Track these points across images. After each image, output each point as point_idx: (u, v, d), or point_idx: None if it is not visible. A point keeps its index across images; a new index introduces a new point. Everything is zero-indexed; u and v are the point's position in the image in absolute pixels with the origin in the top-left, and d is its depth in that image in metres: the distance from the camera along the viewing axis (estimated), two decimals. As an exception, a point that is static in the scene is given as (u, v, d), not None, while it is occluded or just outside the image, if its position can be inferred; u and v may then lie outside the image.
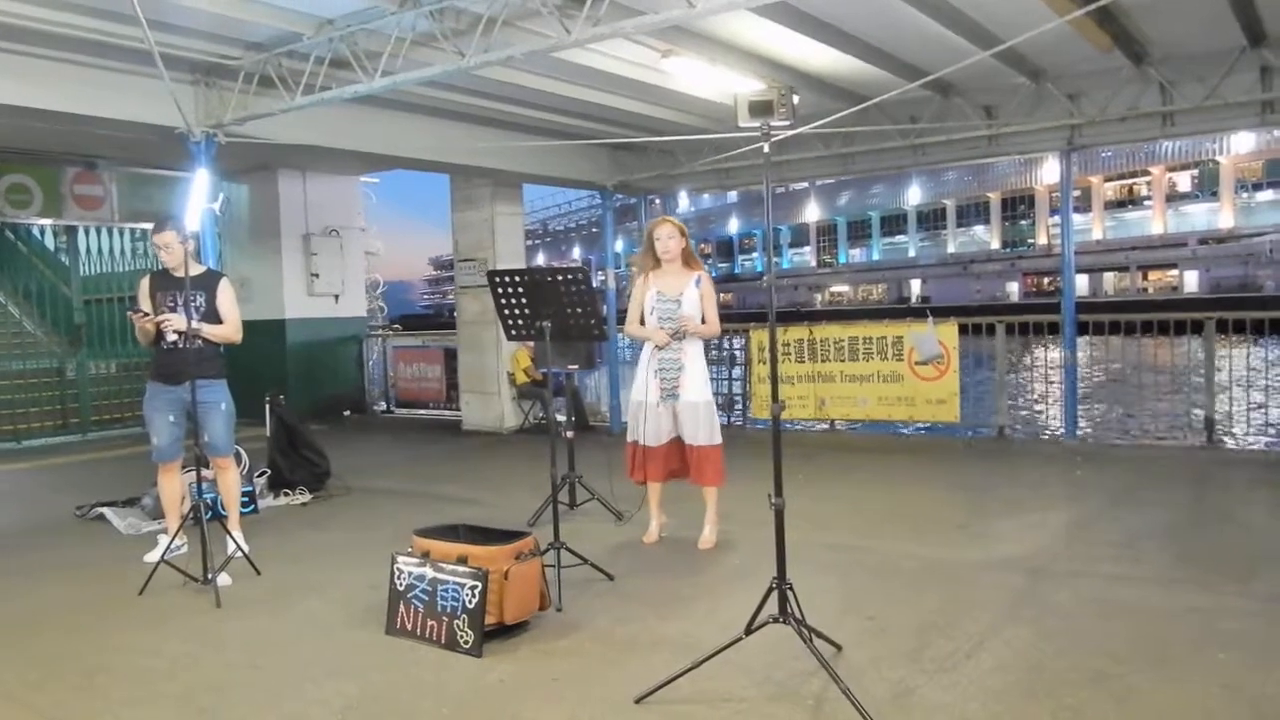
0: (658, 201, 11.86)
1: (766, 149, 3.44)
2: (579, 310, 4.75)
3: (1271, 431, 8.99)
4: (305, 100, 6.53)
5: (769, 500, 3.53)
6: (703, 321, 5.46)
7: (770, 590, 3.55)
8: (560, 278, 4.80)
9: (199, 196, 5.34)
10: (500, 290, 4.89)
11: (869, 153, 9.48)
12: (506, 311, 4.93)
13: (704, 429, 5.49)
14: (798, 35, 6.69)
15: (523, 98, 8.24)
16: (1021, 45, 6.82)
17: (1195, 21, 6.88)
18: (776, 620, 3.51)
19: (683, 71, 7.02)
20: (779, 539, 3.55)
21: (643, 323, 5.56)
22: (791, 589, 3.54)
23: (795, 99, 3.54)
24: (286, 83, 6.72)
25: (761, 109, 3.43)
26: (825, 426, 10.26)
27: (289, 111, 6.78)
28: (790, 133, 3.56)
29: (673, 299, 5.45)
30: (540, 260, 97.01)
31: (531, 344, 9.33)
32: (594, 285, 4.88)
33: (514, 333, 5.01)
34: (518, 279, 4.87)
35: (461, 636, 4.01)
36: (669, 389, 5.47)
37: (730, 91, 7.58)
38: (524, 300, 4.87)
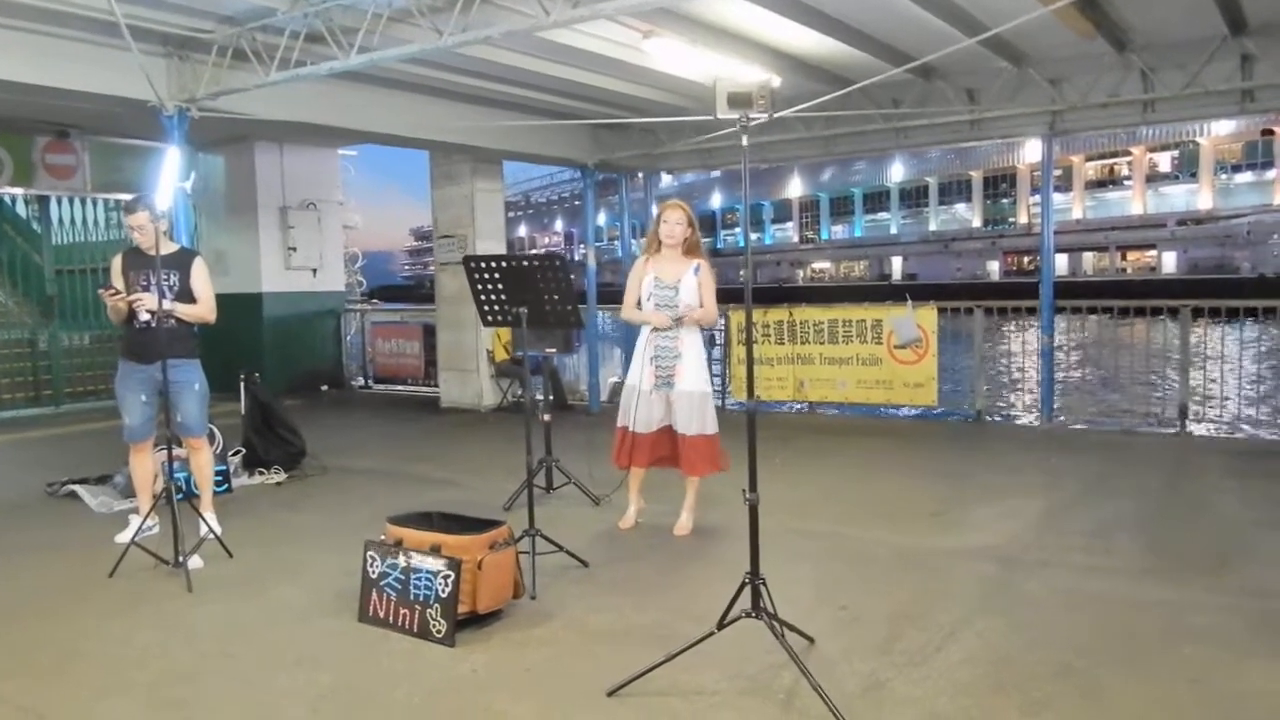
0: (640, 176, 11.73)
1: (745, 142, 3.40)
2: (556, 298, 4.72)
3: (1244, 420, 9.10)
4: (280, 76, 6.43)
5: (743, 496, 3.53)
6: (700, 306, 5.39)
7: (743, 585, 3.55)
8: (537, 264, 4.76)
9: (170, 175, 5.24)
10: (477, 276, 4.84)
11: (851, 135, 9.45)
12: (483, 298, 4.89)
13: (697, 419, 5.41)
14: (780, 18, 6.64)
15: (503, 75, 8.15)
16: (1004, 30, 6.80)
17: (1177, 9, 6.87)
18: (749, 615, 3.52)
19: (664, 52, 6.95)
20: (753, 534, 3.55)
21: (639, 307, 5.49)
22: (764, 583, 3.54)
23: (776, 83, 3.50)
24: (261, 57, 6.60)
25: (741, 100, 3.39)
26: (804, 408, 10.28)
27: (263, 87, 6.66)
28: (771, 116, 3.51)
29: (670, 285, 5.37)
30: (522, 232, 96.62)
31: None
32: (570, 272, 4.83)
33: (490, 319, 4.97)
34: (494, 265, 4.83)
35: (434, 626, 4.00)
36: (664, 377, 5.40)
37: (712, 72, 7.58)
38: (500, 287, 4.83)
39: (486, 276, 4.84)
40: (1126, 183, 55.61)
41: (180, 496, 5.06)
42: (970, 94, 8.75)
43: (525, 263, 4.79)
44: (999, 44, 7.73)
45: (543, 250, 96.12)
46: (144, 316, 5.38)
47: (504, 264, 4.81)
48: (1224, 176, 52.22)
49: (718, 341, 11.02)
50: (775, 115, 4.26)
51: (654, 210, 12.02)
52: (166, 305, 5.27)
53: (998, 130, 9.09)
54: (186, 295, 5.51)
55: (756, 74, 7.66)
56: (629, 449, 5.57)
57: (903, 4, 6.40)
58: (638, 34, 6.72)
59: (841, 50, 7.58)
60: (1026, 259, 55.09)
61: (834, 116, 9.04)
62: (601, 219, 57.31)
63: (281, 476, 7.37)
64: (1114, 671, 3.59)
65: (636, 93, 8.92)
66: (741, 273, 3.80)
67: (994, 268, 57.53)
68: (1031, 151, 50.20)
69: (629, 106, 9.60)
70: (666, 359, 5.39)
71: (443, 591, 4.00)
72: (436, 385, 11.88)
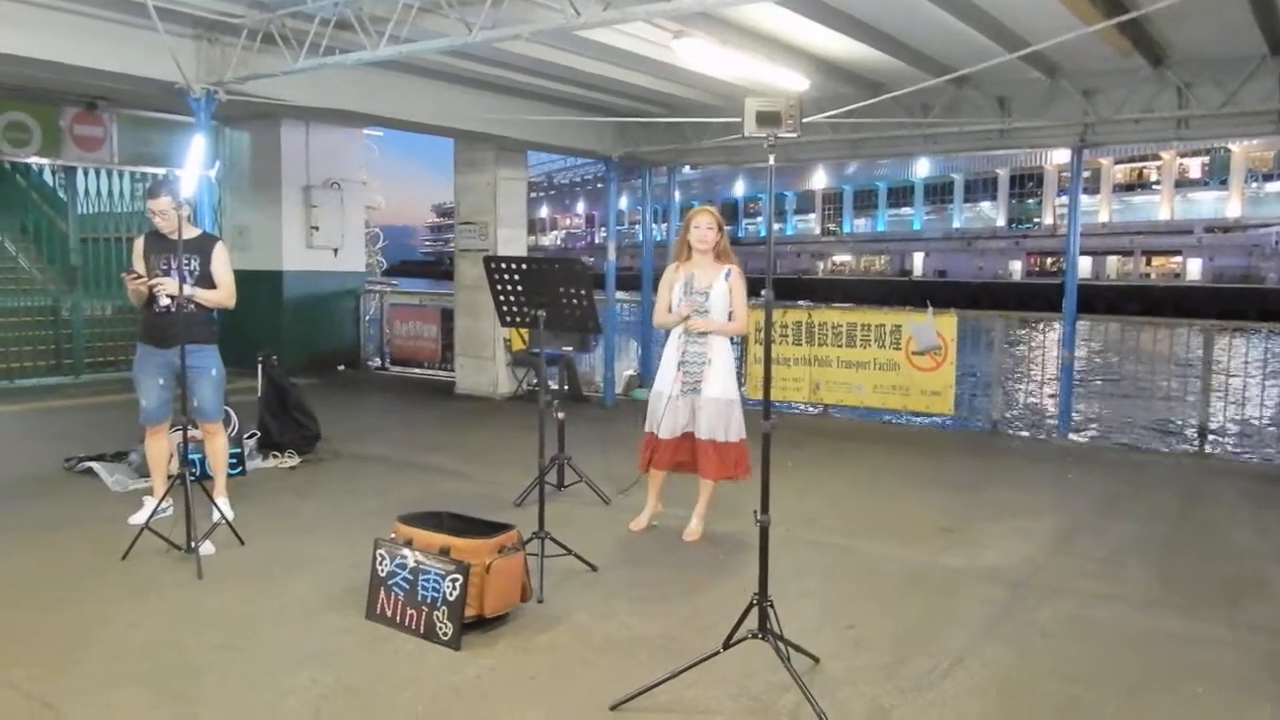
0: (665, 168, 11.68)
1: (772, 161, 3.37)
2: (575, 301, 4.70)
3: (1265, 441, 9.01)
4: (308, 64, 6.41)
5: (754, 518, 3.51)
6: (731, 316, 5.40)
7: (751, 606, 3.54)
8: (558, 266, 4.75)
9: (195, 162, 5.24)
10: (497, 277, 4.83)
11: (878, 139, 9.36)
12: (502, 298, 4.88)
13: (722, 425, 5.39)
14: (813, 23, 6.57)
15: (530, 66, 8.10)
16: (1038, 41, 6.71)
17: (1217, 28, 6.75)
18: (755, 636, 3.51)
19: (693, 53, 6.88)
20: (762, 557, 3.53)
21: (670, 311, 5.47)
22: (772, 605, 3.53)
23: (805, 85, 3.46)
24: (289, 42, 6.58)
25: (769, 119, 3.36)
26: (818, 411, 10.24)
27: (291, 74, 6.65)
28: (799, 135, 3.46)
29: (701, 291, 5.37)
30: (544, 213, 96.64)
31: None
32: (590, 277, 4.80)
33: (509, 320, 4.96)
34: (515, 265, 4.81)
35: (440, 628, 4.01)
36: (691, 383, 5.38)
37: (741, 72, 7.52)
38: (520, 288, 4.82)
39: (506, 277, 4.83)
40: (1155, 187, 55.04)
41: (194, 478, 5.09)
42: (1001, 102, 8.65)
43: (546, 265, 4.78)
44: (1033, 55, 7.59)
45: (563, 234, 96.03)
46: (164, 301, 5.40)
47: (524, 265, 4.80)
48: (1254, 185, 51.60)
49: (735, 340, 10.99)
50: (804, 120, 4.22)
51: (676, 197, 12.12)
52: (187, 290, 5.29)
53: (1027, 140, 9.01)
54: (207, 280, 5.54)
55: (785, 76, 7.61)
56: (650, 452, 5.58)
57: (937, 13, 6.31)
58: (668, 33, 6.66)
59: (873, 55, 7.50)
60: (1049, 260, 54.69)
61: (862, 121, 8.95)
62: (624, 203, 57.23)
63: (295, 461, 7.41)
64: (1121, 709, 3.57)
65: (664, 89, 8.86)
66: (761, 296, 3.75)
67: (1016, 267, 57.13)
68: (1060, 153, 49.77)
69: (656, 101, 9.54)
70: (695, 364, 5.38)
71: (450, 594, 4.01)
72: (452, 370, 11.90)
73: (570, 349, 8.23)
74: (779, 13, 6.35)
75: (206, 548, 5.02)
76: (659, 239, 12.70)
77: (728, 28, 6.82)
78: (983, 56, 6.63)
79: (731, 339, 5.69)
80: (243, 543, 5.26)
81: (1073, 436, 9.26)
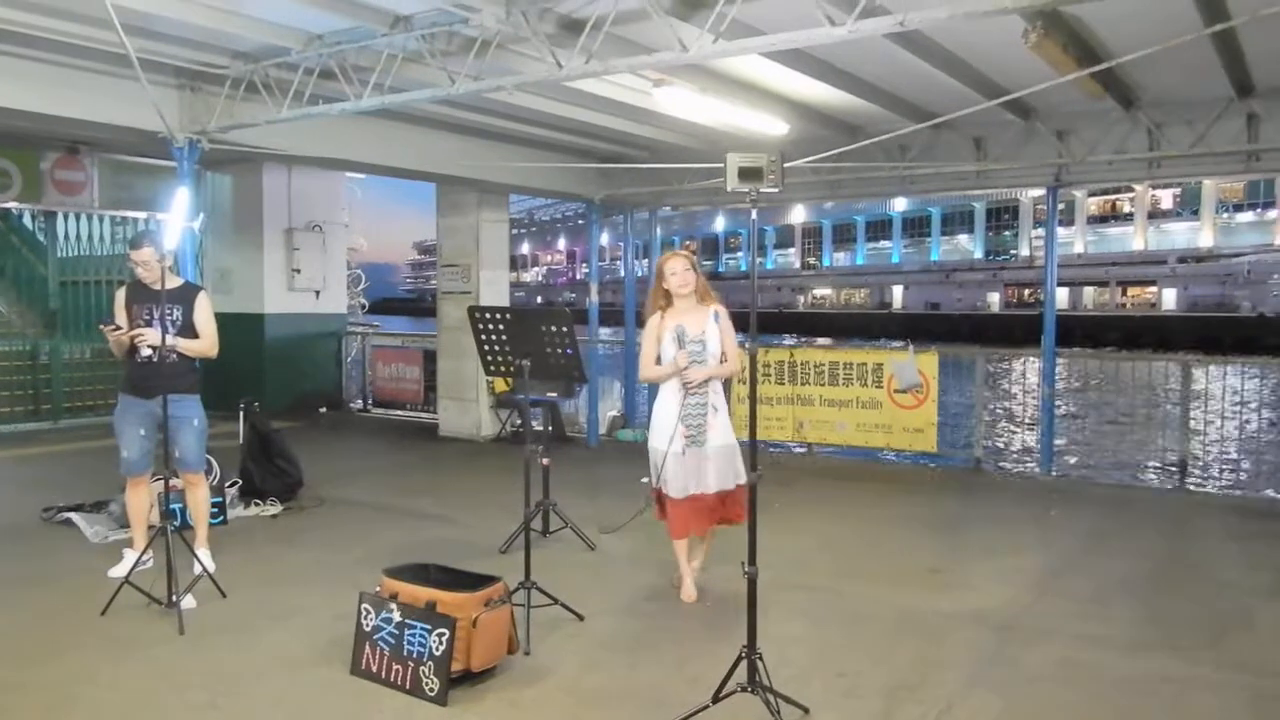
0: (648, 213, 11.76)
1: (754, 215, 3.41)
2: (559, 352, 4.72)
3: (1244, 475, 9.09)
4: (291, 114, 6.46)
5: (743, 569, 3.51)
6: (724, 357, 5.18)
7: (740, 659, 3.53)
8: (542, 315, 4.77)
9: (179, 214, 5.24)
10: (481, 326, 4.85)
11: (857, 180, 9.47)
12: (486, 347, 4.89)
13: (730, 472, 5.17)
14: (791, 71, 6.67)
15: (513, 113, 8.19)
16: (1012, 86, 6.84)
17: (1186, 72, 6.91)
18: (745, 690, 3.49)
19: (673, 101, 6.97)
20: (750, 609, 3.53)
21: (658, 361, 5.22)
22: (761, 658, 3.52)
23: (783, 129, 3.51)
24: (273, 91, 6.63)
25: (751, 175, 3.41)
26: (803, 449, 10.26)
27: (274, 123, 6.68)
28: (781, 189, 3.52)
29: (696, 340, 5.09)
30: (525, 249, 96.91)
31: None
32: (574, 325, 4.81)
33: (493, 369, 4.97)
34: (499, 315, 4.83)
35: (427, 683, 3.98)
36: (694, 434, 5.10)
37: (721, 117, 7.62)
38: (505, 337, 4.83)
39: (491, 327, 4.84)
40: (1129, 218, 55.87)
41: (175, 528, 5.03)
42: (977, 143, 8.79)
43: (531, 314, 4.80)
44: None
45: (545, 270, 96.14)
46: (146, 351, 5.38)
47: (509, 315, 4.82)
48: (1225, 215, 52.49)
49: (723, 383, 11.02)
50: (785, 164, 4.28)
51: (658, 233, 12.16)
52: (170, 341, 5.27)
53: (1003, 180, 9.16)
54: (189, 330, 5.52)
55: (765, 121, 7.71)
56: (668, 511, 5.27)
57: (912, 60, 6.42)
58: (648, 81, 6.75)
59: (851, 101, 7.62)
60: (1027, 291, 55.23)
61: (841, 164, 9.07)
62: (605, 238, 57.48)
63: (277, 509, 7.34)
64: (1110, 756, 3.56)
65: (645, 133, 8.96)
66: (747, 348, 3.78)
67: (995, 299, 57.66)
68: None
69: (638, 145, 9.64)
70: (698, 414, 5.12)
71: (436, 649, 3.98)
72: (435, 411, 11.86)
73: (555, 395, 8.21)
74: (758, 61, 6.44)
75: (188, 601, 4.96)
76: (641, 274, 12.75)
77: (707, 75, 6.91)
78: (959, 101, 6.76)
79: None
80: (224, 595, 5.20)
81: (1055, 472, 9.31)
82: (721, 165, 3.59)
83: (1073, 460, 10.23)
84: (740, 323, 5.00)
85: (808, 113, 8.15)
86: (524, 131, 9.04)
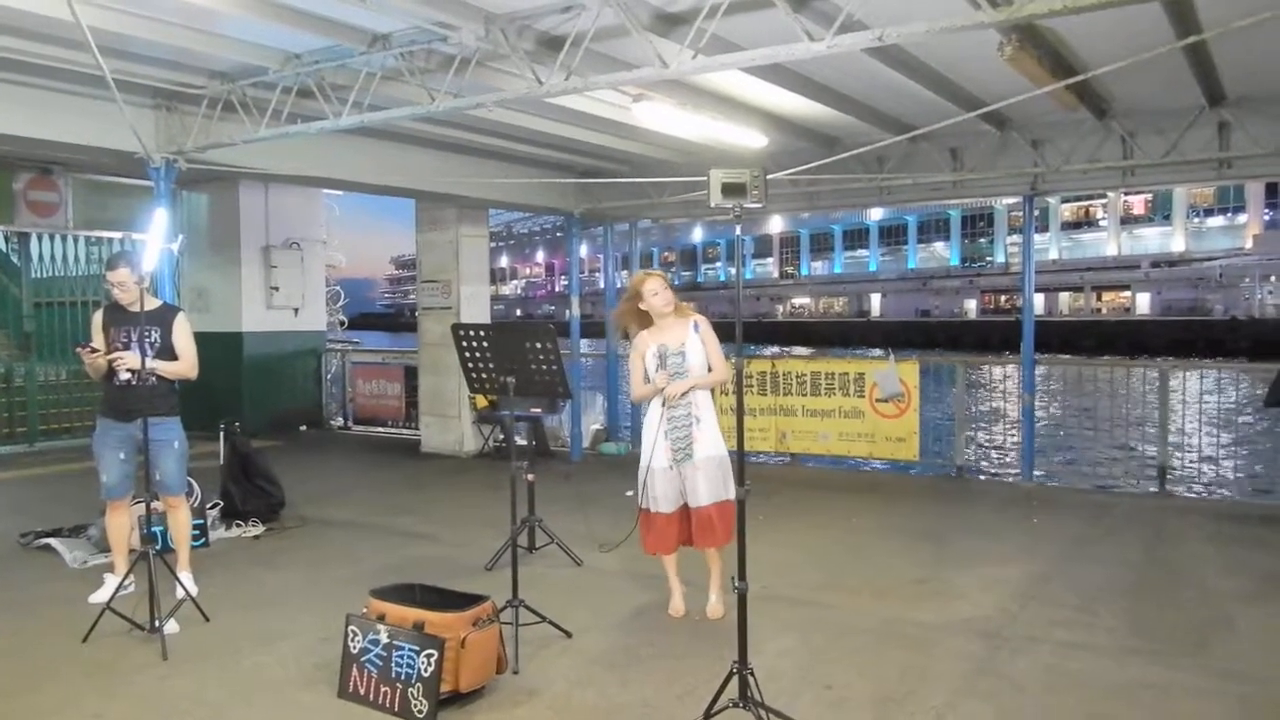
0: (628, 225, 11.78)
1: (738, 231, 3.42)
2: (544, 368, 4.71)
3: (1222, 479, 9.17)
4: (269, 133, 6.43)
5: (732, 584, 3.51)
6: (709, 368, 5.13)
7: (731, 675, 3.52)
8: (527, 332, 4.76)
9: (157, 236, 5.20)
10: (465, 344, 4.83)
11: (835, 191, 9.53)
12: (470, 365, 4.87)
13: (721, 483, 5.11)
14: (768, 84, 6.71)
15: (492, 128, 8.19)
16: (988, 97, 6.91)
17: (1158, 82, 6.99)
18: (736, 705, 3.49)
19: (652, 115, 6.99)
20: (741, 625, 3.53)
21: (647, 380, 5.18)
22: (752, 673, 3.52)
23: (763, 142, 3.53)
24: (250, 110, 6.60)
25: (734, 190, 3.42)
26: (786, 460, 10.28)
27: (252, 142, 6.65)
28: (765, 205, 3.55)
29: (677, 352, 5.08)
30: (504, 262, 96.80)
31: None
32: (558, 341, 4.81)
33: (477, 386, 4.96)
34: (483, 333, 4.82)
35: (415, 705, 3.94)
36: (681, 448, 5.08)
37: (699, 130, 7.66)
38: (489, 354, 4.82)
39: (475, 344, 4.83)
40: (1102, 224, 56.50)
41: (156, 550, 4.96)
42: (954, 153, 8.87)
43: (514, 331, 4.79)
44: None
45: (524, 283, 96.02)
46: (124, 375, 5.32)
47: (492, 332, 4.81)
48: (1196, 220, 53.18)
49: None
50: (770, 176, 4.30)
51: (638, 245, 12.18)
52: (149, 364, 5.22)
53: (980, 190, 9.23)
54: (168, 352, 5.46)
55: (743, 134, 7.75)
56: (657, 534, 5.24)
57: (888, 73, 6.47)
58: (627, 96, 6.77)
59: (829, 114, 7.67)
60: (1003, 297, 55.73)
61: (819, 176, 9.12)
62: (584, 250, 57.61)
63: (259, 529, 7.28)
64: (1100, 764, 3.58)
65: (625, 147, 8.98)
66: (733, 364, 3.79)
67: (971, 306, 58.14)
68: (1010, 193, 50.81)
69: (617, 159, 9.66)
70: (682, 428, 5.09)
71: (425, 670, 3.95)
72: (417, 428, 11.80)
73: (539, 410, 8.20)
74: (737, 75, 6.47)
75: (171, 626, 4.90)
76: (620, 286, 12.76)
77: (686, 90, 6.94)
78: (936, 113, 6.82)
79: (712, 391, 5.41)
80: (208, 619, 5.14)
81: (1037, 477, 9.37)
82: (702, 179, 3.60)
83: (1054, 465, 10.27)
84: (723, 334, 5.01)
85: (786, 125, 8.19)
86: (504, 147, 9.04)
